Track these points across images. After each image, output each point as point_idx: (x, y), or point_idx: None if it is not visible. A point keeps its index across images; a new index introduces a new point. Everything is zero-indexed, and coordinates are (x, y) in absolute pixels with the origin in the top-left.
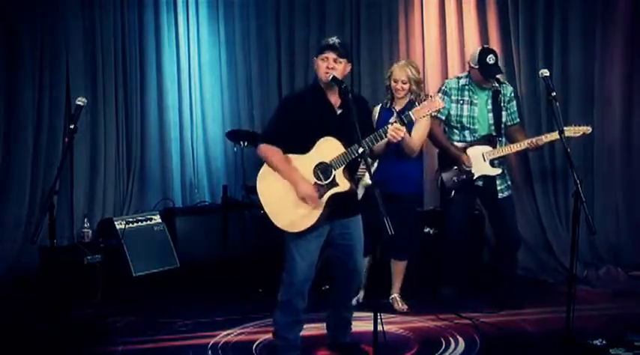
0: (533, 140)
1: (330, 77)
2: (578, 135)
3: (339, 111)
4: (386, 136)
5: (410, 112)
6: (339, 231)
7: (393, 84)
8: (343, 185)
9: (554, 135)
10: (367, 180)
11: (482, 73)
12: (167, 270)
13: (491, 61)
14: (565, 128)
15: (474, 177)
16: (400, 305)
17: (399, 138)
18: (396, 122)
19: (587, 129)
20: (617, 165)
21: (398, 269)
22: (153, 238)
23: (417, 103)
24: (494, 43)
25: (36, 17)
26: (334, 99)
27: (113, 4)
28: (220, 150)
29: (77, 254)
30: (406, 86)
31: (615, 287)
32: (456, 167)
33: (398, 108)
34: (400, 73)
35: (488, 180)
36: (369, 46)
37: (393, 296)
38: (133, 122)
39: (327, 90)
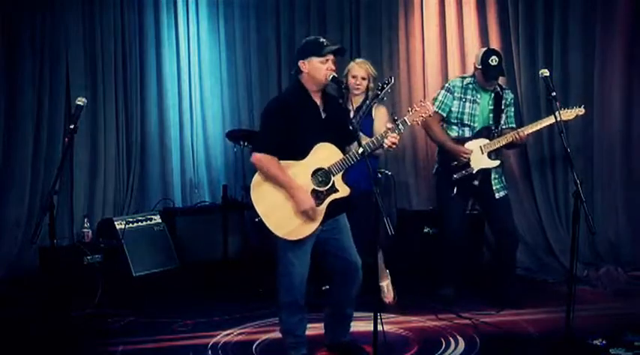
0: (519, 131)
1: (331, 77)
2: (572, 117)
3: (323, 115)
4: (383, 142)
5: (405, 118)
6: (329, 226)
7: (351, 80)
8: (343, 190)
9: (550, 120)
10: None
11: (484, 74)
12: (167, 270)
13: (494, 63)
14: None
15: (474, 172)
16: (389, 294)
17: (396, 146)
18: (390, 129)
19: (580, 111)
20: (617, 166)
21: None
22: (153, 238)
23: (369, 98)
24: (495, 44)
25: (36, 17)
26: (319, 101)
27: (113, 4)
28: (220, 150)
29: (77, 254)
30: (365, 82)
31: (615, 287)
32: (455, 162)
33: (355, 105)
34: (360, 69)
35: (485, 178)
36: (369, 46)
37: (381, 284)
38: (133, 122)
39: (312, 93)
